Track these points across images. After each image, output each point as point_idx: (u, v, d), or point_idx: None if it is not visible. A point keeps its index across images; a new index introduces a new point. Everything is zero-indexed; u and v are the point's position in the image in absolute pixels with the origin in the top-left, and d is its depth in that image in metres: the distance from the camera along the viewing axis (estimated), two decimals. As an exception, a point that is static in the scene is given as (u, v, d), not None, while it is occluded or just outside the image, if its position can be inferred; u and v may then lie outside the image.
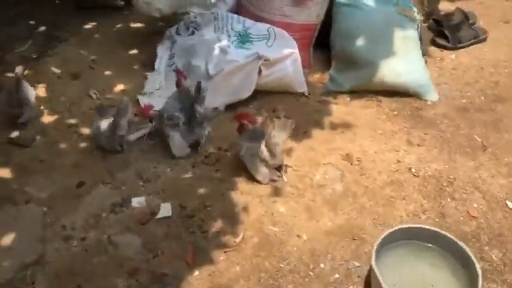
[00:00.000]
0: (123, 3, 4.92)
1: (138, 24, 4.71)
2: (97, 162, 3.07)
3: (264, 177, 2.88)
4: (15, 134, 3.33)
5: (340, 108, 3.46)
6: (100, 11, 4.92)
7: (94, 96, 3.34)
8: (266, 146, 2.84)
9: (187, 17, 3.83)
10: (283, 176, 2.89)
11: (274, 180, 2.88)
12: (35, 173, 3.00)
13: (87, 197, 2.81)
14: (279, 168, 2.94)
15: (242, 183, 2.87)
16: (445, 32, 4.06)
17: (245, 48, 3.43)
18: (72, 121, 3.45)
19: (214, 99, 3.36)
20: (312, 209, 2.70)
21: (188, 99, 3.12)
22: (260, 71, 3.31)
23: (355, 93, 3.58)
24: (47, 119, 3.48)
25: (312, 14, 3.59)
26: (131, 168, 3.02)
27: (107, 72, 3.99)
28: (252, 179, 2.88)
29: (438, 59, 4.03)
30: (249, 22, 3.53)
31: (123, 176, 2.97)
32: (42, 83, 3.88)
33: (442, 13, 4.38)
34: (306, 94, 3.54)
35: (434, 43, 4.12)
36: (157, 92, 3.61)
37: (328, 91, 3.58)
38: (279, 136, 2.88)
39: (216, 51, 3.43)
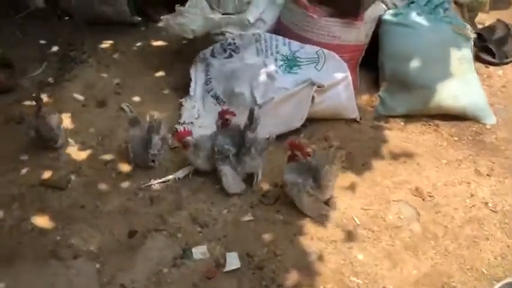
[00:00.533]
0: (139, 19, 4.61)
1: (160, 43, 4.42)
2: (145, 205, 2.81)
3: (312, 212, 2.69)
4: (47, 174, 3.02)
5: (396, 134, 3.26)
6: (114, 28, 4.60)
7: (127, 109, 3.07)
8: (316, 181, 2.62)
9: (222, 38, 3.56)
10: (355, 219, 2.66)
11: (323, 215, 2.69)
12: (77, 221, 2.71)
13: (143, 248, 2.55)
14: (327, 200, 2.74)
15: (309, 226, 2.65)
16: (489, 46, 3.87)
17: (293, 73, 3.19)
18: (107, 157, 3.17)
19: (262, 129, 3.09)
20: (393, 254, 2.49)
21: (238, 133, 2.88)
22: (313, 99, 3.07)
23: (409, 117, 3.39)
24: (79, 154, 3.18)
25: (361, 34, 3.37)
26: (184, 211, 2.76)
27: (136, 99, 3.71)
28: (319, 222, 2.65)
29: (485, 76, 3.87)
30: (295, 44, 3.29)
31: (177, 221, 2.71)
32: (66, 111, 3.57)
33: (480, 26, 4.20)
34: (358, 120, 3.31)
35: (478, 59, 3.94)
36: (197, 121, 3.34)
37: (379, 115, 3.37)
38: (331, 171, 2.64)
39: (263, 77, 3.19)
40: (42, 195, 2.88)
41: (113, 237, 2.62)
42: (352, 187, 2.86)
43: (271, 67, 3.19)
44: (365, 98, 3.53)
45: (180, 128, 3.26)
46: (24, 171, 3.06)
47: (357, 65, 3.56)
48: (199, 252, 2.53)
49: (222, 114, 2.90)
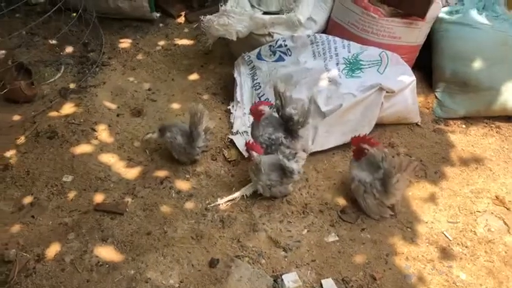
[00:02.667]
0: (158, 15, 4.27)
1: (185, 41, 4.12)
2: (217, 228, 2.58)
3: (374, 214, 2.60)
4: (99, 197, 2.74)
5: (460, 138, 3.16)
6: (129, 24, 4.26)
7: (150, 136, 2.89)
8: (383, 186, 2.50)
9: (270, 40, 3.32)
10: (446, 234, 2.55)
11: (384, 217, 2.60)
12: (147, 250, 2.46)
13: (230, 280, 2.34)
14: (392, 206, 2.62)
15: (400, 245, 2.52)
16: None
17: (356, 77, 3.01)
18: (161, 173, 2.90)
19: (327, 139, 2.95)
20: (494, 272, 2.39)
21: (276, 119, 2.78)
22: (382, 104, 2.90)
23: (468, 119, 3.29)
24: (129, 173, 2.90)
25: (422, 34, 3.22)
26: (261, 233, 2.56)
27: (174, 106, 3.43)
28: (409, 239, 2.52)
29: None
30: (355, 46, 3.10)
31: (256, 245, 2.51)
32: (101, 122, 3.26)
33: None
34: (419, 123, 3.18)
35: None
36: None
37: (438, 117, 3.25)
38: (402, 179, 2.50)
39: (325, 82, 2.99)
40: (100, 222, 2.60)
41: (193, 267, 2.39)
42: (432, 198, 2.74)
43: (334, 71, 2.99)
44: (420, 99, 3.40)
45: (240, 140, 3.02)
46: (71, 195, 2.75)
47: (411, 67, 3.41)
48: (291, 280, 2.35)
49: (255, 110, 2.76)
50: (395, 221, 2.61)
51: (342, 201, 2.73)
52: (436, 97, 3.32)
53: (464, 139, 3.15)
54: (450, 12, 3.26)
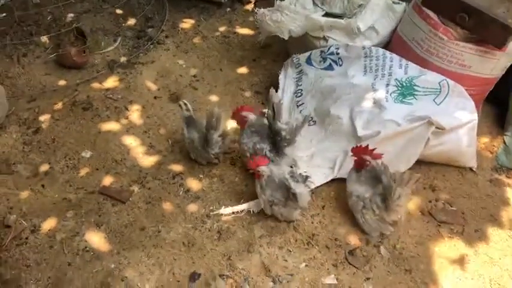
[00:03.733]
0: (227, -2, 4.10)
1: (246, 31, 3.92)
2: (212, 239, 2.42)
3: (371, 231, 2.39)
4: (108, 179, 2.69)
5: (520, 196, 2.66)
6: (198, 4, 4.14)
7: (184, 107, 2.68)
8: (384, 201, 2.28)
9: (324, 44, 3.02)
10: None
11: (383, 234, 2.37)
12: (135, 246, 2.38)
13: (204, 298, 2.16)
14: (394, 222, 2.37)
15: (405, 306, 2.16)
16: None
17: (406, 104, 2.63)
18: (176, 168, 2.78)
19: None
20: None
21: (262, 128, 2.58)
22: (428, 140, 2.51)
23: (537, 174, 2.76)
24: (145, 160, 2.82)
25: (499, 67, 2.72)
26: (255, 255, 2.36)
27: (213, 98, 3.27)
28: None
29: None
30: (414, 68, 2.71)
31: (246, 267, 2.31)
32: (136, 103, 3.20)
33: None
34: (474, 169, 2.73)
35: None
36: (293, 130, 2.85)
37: (501, 166, 2.76)
38: (403, 194, 2.25)
39: (368, 103, 2.65)
40: (100, 206, 2.56)
41: (173, 276, 2.27)
42: (461, 261, 2.34)
43: (381, 92, 2.64)
44: (484, 140, 2.93)
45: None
46: (83, 171, 2.73)
47: (482, 101, 2.93)
48: (269, 316, 2.11)
49: (236, 115, 2.55)
50: (408, 278, 2.26)
51: (354, 241, 2.43)
52: (504, 142, 2.84)
53: (525, 198, 2.66)
54: (542, 45, 2.71)
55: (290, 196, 2.31)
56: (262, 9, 3.05)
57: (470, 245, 2.42)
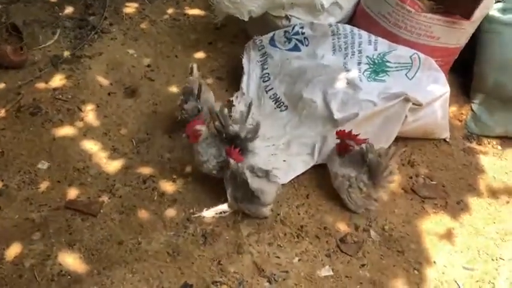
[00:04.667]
0: (171, -24, 3.82)
1: (196, 11, 3.69)
2: (197, 244, 2.29)
3: (357, 208, 2.39)
4: (73, 192, 2.46)
5: (493, 162, 2.74)
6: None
7: (195, 71, 2.67)
8: (371, 179, 2.29)
9: (286, 24, 2.88)
10: (457, 283, 2.19)
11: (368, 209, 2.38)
12: (116, 263, 2.20)
13: (201, 312, 2.05)
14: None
15: (404, 289, 2.16)
16: None
17: (379, 81, 2.58)
18: (146, 170, 2.59)
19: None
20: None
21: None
22: (405, 118, 2.48)
23: (506, 140, 2.85)
24: (110, 165, 2.60)
25: (464, 36, 2.72)
26: (246, 256, 2.26)
27: (173, 89, 3.07)
28: (415, 284, 2.17)
29: None
30: (384, 44, 2.65)
31: (238, 270, 2.21)
32: (89, 101, 2.94)
33: None
34: (447, 139, 2.75)
35: None
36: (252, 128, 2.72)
37: (470, 133, 2.80)
38: (390, 170, 2.29)
39: (342, 84, 2.57)
40: (69, 223, 2.34)
41: (163, 291, 2.10)
42: (449, 235, 2.37)
43: (354, 72, 2.56)
44: (453, 109, 2.95)
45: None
46: (43, 186, 2.48)
47: (448, 71, 2.93)
48: (271, 320, 2.04)
49: (190, 131, 2.33)
50: (401, 259, 2.26)
51: (343, 227, 2.38)
52: (471, 109, 2.88)
53: (498, 164, 2.73)
54: (504, 10, 2.73)
55: (252, 193, 2.21)
56: (217, -11, 2.85)
57: (455, 218, 2.45)
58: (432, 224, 2.41)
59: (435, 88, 2.54)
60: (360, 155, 2.32)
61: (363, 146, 2.29)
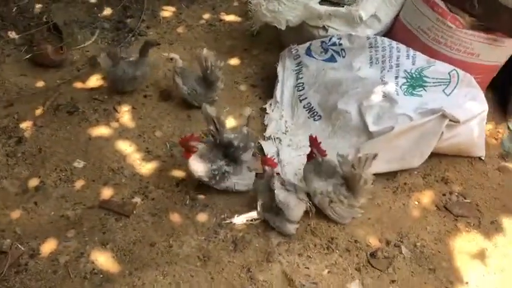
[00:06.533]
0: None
1: (232, 18, 3.72)
2: (228, 250, 2.29)
3: (345, 219, 2.38)
4: (107, 192, 2.50)
5: (529, 183, 2.66)
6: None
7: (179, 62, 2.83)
8: (349, 189, 2.30)
9: (324, 34, 2.88)
10: None
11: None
12: (148, 265, 2.22)
13: (230, 319, 2.06)
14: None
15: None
16: None
17: (416, 96, 2.56)
18: (179, 174, 2.62)
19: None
20: None
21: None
22: (441, 134, 2.45)
23: (542, 160, 2.77)
24: (144, 167, 2.63)
25: (505, 54, 2.68)
26: (275, 265, 2.26)
27: (207, 94, 3.07)
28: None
29: None
30: (422, 58, 2.63)
31: (267, 279, 2.21)
32: (125, 103, 2.99)
33: None
34: (482, 158, 2.71)
35: None
36: (285, 138, 2.75)
37: (507, 152, 2.76)
38: (367, 177, 2.26)
39: (378, 97, 2.56)
40: (103, 222, 2.37)
41: (193, 295, 2.12)
42: (482, 256, 2.33)
43: (391, 85, 2.55)
44: (489, 127, 2.91)
45: (270, 149, 2.68)
46: (78, 184, 2.53)
47: (485, 88, 2.89)
48: (302, 331, 2.04)
49: (184, 145, 2.39)
50: (432, 277, 2.23)
51: (374, 242, 2.37)
52: (508, 128, 2.83)
53: (535, 185, 2.67)
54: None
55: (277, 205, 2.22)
56: (257, -2, 2.88)
57: (488, 238, 2.41)
58: (465, 243, 2.38)
59: (473, 106, 2.50)
60: (332, 168, 2.34)
61: (338, 158, 2.30)
